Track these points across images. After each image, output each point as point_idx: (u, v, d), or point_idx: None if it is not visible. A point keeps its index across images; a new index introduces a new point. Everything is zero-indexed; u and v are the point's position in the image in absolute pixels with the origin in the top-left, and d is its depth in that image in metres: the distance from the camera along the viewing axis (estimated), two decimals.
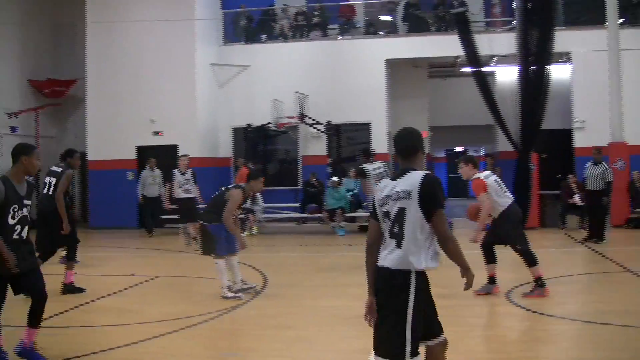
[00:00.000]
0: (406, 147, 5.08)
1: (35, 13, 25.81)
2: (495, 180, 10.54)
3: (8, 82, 24.19)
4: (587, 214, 18.34)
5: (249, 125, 23.90)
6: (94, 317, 9.82)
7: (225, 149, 24.79)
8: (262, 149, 25.09)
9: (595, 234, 16.75)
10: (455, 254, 4.98)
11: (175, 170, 17.87)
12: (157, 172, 20.90)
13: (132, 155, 23.32)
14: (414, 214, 4.85)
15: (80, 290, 11.35)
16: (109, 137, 23.44)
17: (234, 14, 26.10)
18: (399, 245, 4.89)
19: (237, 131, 24.75)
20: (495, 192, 10.30)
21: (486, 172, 10.79)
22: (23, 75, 25.13)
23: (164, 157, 21.74)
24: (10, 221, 6.76)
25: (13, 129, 24.11)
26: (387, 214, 4.98)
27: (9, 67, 24.39)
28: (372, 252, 5.12)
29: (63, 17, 26.47)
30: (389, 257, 4.93)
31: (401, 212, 4.89)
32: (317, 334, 8.63)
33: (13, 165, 7.00)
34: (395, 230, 4.92)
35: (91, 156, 23.81)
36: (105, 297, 11.03)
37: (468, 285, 5.21)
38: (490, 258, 10.59)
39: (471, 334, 8.34)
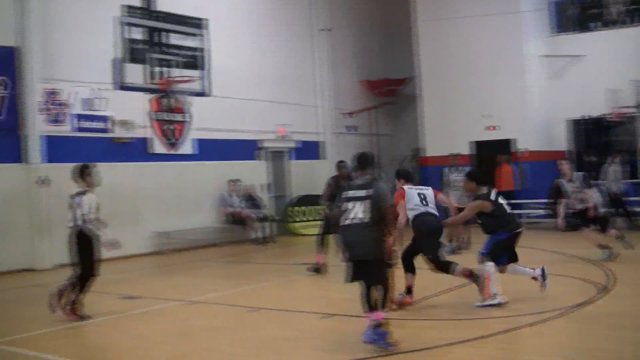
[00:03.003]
0: None
1: (365, 15, 27.01)
2: None
3: (344, 84, 25.54)
4: None
5: (584, 116, 22.95)
6: (433, 311, 9.92)
7: (558, 141, 23.94)
8: (597, 140, 24.00)
9: None
10: None
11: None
12: None
13: (466, 150, 23.42)
14: None
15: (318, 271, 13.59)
16: (443, 133, 23.92)
17: (560, 3, 25.21)
18: None
19: (570, 123, 23.84)
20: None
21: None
22: (357, 76, 26.41)
23: (498, 151, 22.09)
24: None
25: (348, 128, 25.39)
26: None
27: (345, 69, 25.78)
28: None
29: (391, 17, 27.44)
30: None
31: None
32: None
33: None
34: None
35: (429, 152, 24.62)
36: (444, 293, 11.12)
37: None
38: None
39: None
